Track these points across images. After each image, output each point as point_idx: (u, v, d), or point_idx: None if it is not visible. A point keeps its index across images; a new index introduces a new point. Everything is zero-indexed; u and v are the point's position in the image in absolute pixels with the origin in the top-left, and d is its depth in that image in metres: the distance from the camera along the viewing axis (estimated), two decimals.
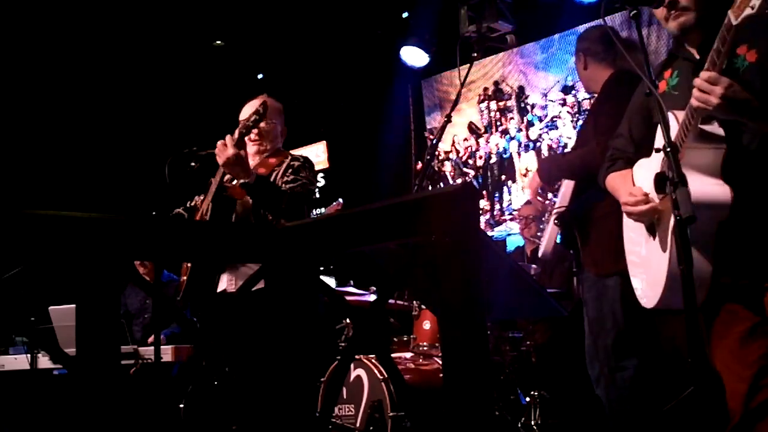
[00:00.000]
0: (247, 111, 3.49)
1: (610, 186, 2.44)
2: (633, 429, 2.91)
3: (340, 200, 4.64)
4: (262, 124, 3.37)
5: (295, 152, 3.65)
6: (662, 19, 2.18)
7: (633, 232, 2.35)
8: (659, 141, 2.03)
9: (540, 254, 3.44)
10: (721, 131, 2.04)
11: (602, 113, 3.10)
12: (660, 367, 3.05)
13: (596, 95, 3.27)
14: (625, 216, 2.35)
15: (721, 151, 2.03)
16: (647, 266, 2.27)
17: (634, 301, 2.95)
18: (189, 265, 3.40)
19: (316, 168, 3.77)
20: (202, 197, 3.51)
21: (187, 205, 3.64)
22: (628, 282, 2.95)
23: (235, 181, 3.46)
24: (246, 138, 3.38)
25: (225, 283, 3.38)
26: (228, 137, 3.24)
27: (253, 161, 3.48)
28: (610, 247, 2.97)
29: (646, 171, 2.25)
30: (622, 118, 2.84)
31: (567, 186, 3.20)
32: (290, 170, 3.40)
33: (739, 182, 2.03)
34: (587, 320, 3.09)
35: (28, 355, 4.59)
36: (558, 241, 3.34)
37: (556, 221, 3.15)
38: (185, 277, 3.39)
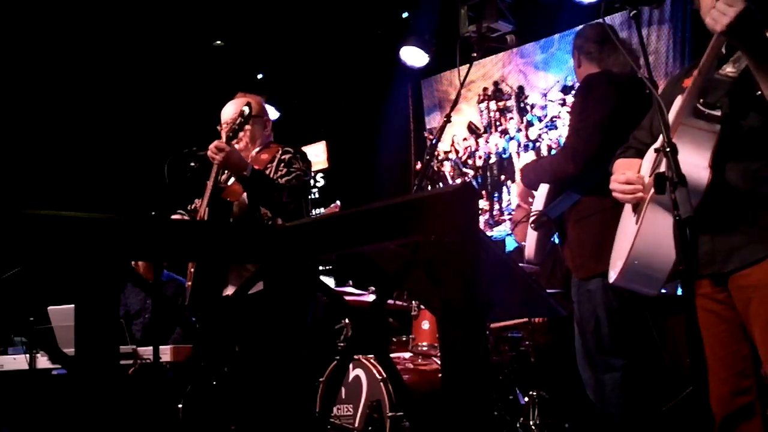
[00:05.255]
0: (230, 110, 3.49)
1: (614, 170, 2.44)
2: (625, 430, 2.91)
3: (338, 202, 4.64)
4: (247, 127, 3.38)
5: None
6: (706, 12, 2.17)
7: (626, 211, 2.36)
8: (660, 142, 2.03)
9: (525, 258, 3.43)
10: (718, 113, 2.03)
11: (573, 113, 3.13)
12: (650, 367, 3.04)
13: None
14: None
15: (714, 135, 2.02)
16: (621, 241, 2.28)
17: (620, 302, 2.95)
18: (193, 270, 3.39)
19: (316, 168, 3.77)
20: (201, 200, 3.51)
21: (188, 208, 3.64)
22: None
23: (231, 181, 3.46)
24: (233, 141, 3.36)
25: (231, 289, 3.37)
26: (217, 142, 3.26)
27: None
28: (589, 250, 2.98)
29: (649, 162, 2.25)
30: (595, 118, 2.87)
31: (542, 189, 3.21)
32: (282, 164, 3.41)
33: (728, 168, 2.02)
34: (575, 322, 3.10)
35: (27, 355, 4.58)
36: (555, 241, 3.34)
37: (532, 225, 3.16)
38: (190, 283, 3.37)
